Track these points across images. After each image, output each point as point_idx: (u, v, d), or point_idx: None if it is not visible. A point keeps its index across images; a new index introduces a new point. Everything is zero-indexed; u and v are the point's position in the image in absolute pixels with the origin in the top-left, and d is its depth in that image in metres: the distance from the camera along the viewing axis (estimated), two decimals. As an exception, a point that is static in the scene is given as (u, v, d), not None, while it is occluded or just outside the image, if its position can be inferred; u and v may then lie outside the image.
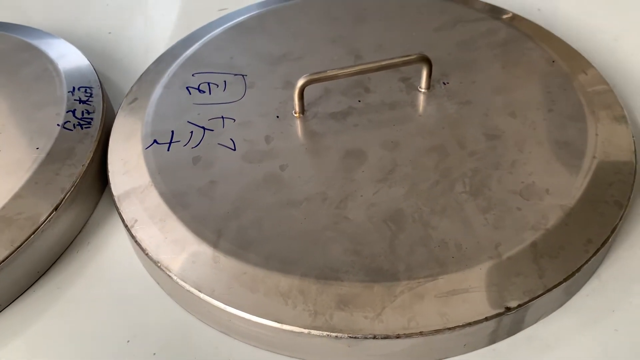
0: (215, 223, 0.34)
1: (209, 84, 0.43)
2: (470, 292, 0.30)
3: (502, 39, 0.46)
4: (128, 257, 0.37)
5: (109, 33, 0.57)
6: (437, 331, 0.29)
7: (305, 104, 0.40)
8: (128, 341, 0.33)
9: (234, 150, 0.38)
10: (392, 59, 0.40)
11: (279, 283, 0.31)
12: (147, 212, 0.35)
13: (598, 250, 0.32)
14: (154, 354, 0.32)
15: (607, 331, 0.32)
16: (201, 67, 0.45)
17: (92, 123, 0.41)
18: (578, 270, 0.31)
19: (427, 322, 0.29)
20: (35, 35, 0.51)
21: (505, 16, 0.49)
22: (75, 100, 0.43)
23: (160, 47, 0.52)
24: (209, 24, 0.51)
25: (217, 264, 0.32)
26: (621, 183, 0.35)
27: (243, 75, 0.44)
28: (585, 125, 0.38)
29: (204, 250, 0.33)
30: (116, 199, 0.36)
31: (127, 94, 0.44)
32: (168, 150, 0.38)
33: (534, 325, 0.32)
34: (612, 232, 0.33)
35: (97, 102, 0.43)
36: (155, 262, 0.33)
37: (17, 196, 0.36)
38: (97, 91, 0.44)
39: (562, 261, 0.31)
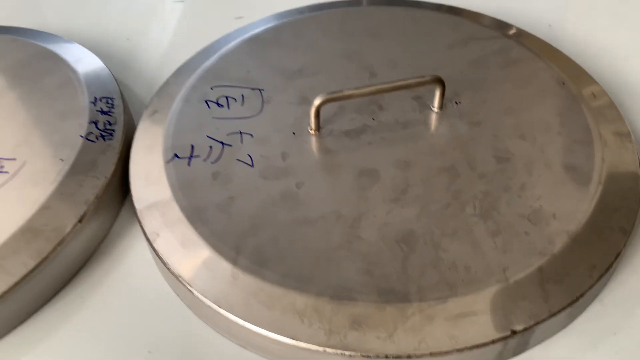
0: (234, 240, 0.35)
1: (227, 97, 0.45)
2: (478, 315, 0.31)
3: (513, 58, 0.47)
4: (148, 269, 0.38)
5: (127, 39, 0.58)
6: (446, 352, 0.30)
7: (320, 120, 0.41)
8: (149, 351, 0.34)
9: (252, 166, 0.40)
10: (407, 79, 0.41)
11: (295, 301, 0.32)
12: (168, 227, 0.36)
13: (602, 276, 0.33)
14: (174, 364, 0.33)
15: (609, 353, 0.33)
16: (219, 80, 0.46)
17: (113, 135, 0.43)
18: (582, 295, 0.32)
19: (437, 343, 0.30)
20: (54, 41, 0.52)
21: (516, 34, 0.50)
22: (97, 111, 0.44)
23: (176, 55, 0.53)
24: (226, 35, 0.52)
25: (235, 281, 0.33)
26: (626, 209, 0.36)
27: (260, 90, 0.45)
28: (592, 150, 0.39)
29: (224, 266, 0.34)
30: (138, 213, 0.38)
31: (147, 106, 0.45)
32: (188, 164, 0.40)
33: (538, 346, 0.33)
34: (616, 258, 0.34)
35: (118, 113, 0.44)
36: (177, 277, 0.34)
37: (43, 207, 0.37)
38: (118, 102, 0.45)
39: (566, 286, 0.33)
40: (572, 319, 0.34)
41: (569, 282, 0.33)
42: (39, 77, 0.47)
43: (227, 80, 0.46)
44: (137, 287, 0.38)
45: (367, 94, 0.41)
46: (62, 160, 0.40)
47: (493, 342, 0.31)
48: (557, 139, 0.40)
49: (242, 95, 0.45)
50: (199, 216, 0.37)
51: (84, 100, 0.45)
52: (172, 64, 0.50)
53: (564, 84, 0.44)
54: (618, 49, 0.52)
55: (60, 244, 0.36)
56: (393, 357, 0.30)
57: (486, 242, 0.34)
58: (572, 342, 0.33)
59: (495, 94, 0.44)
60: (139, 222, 0.38)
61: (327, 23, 0.52)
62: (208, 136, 0.42)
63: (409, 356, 0.30)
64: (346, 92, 0.40)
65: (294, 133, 0.42)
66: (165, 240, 0.36)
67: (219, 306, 0.33)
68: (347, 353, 0.30)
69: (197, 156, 0.40)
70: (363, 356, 0.30)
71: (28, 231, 0.36)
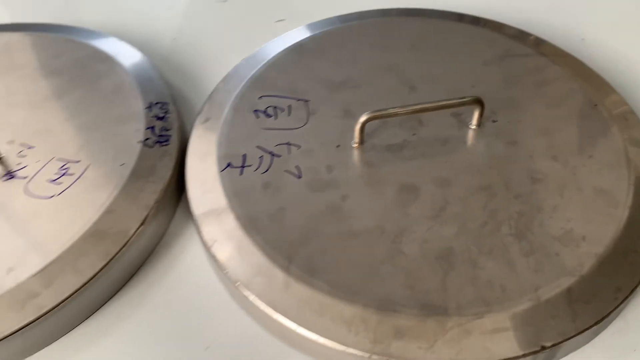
0: (286, 249, 0.38)
1: (275, 108, 0.47)
2: (510, 331, 0.34)
3: (548, 77, 0.49)
4: (203, 270, 0.41)
5: (173, 39, 0.60)
6: (481, 364, 0.33)
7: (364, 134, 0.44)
8: (207, 348, 0.37)
9: (300, 178, 0.42)
10: (449, 100, 0.43)
11: (343, 311, 0.35)
12: (224, 234, 0.39)
13: (626, 297, 0.36)
14: (230, 361, 0.37)
15: (629, 367, 0.36)
16: (267, 90, 0.49)
17: (169, 140, 0.45)
18: (607, 315, 0.35)
19: (473, 355, 0.34)
20: (107, 41, 0.55)
21: (551, 52, 0.52)
22: (152, 117, 0.47)
23: (221, 57, 0.56)
24: (271, 43, 0.54)
25: (288, 288, 0.37)
26: (652, 234, 0.39)
27: (306, 101, 0.48)
28: (621, 174, 0.42)
29: (277, 274, 0.37)
30: (196, 219, 0.41)
31: (198, 113, 0.48)
32: (241, 174, 0.43)
33: (563, 359, 0.36)
34: (640, 281, 0.37)
35: (172, 118, 0.47)
36: (234, 282, 0.37)
37: (108, 211, 0.40)
38: (171, 107, 0.48)
39: (593, 307, 0.35)
40: (596, 334, 0.37)
41: (596, 303, 0.36)
42: (95, 79, 0.50)
43: (274, 90, 0.49)
44: (192, 287, 0.41)
45: (411, 113, 0.43)
46: (122, 165, 0.43)
47: (524, 355, 0.34)
48: (589, 162, 0.43)
49: (289, 106, 0.47)
50: (253, 225, 0.40)
51: (139, 105, 0.47)
52: (217, 67, 0.53)
53: (596, 105, 0.47)
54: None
55: (124, 245, 0.39)
56: (433, 367, 0.33)
57: (520, 262, 0.37)
58: (596, 356, 0.36)
59: (530, 114, 0.46)
60: (197, 227, 0.41)
61: (365, 34, 0.54)
62: (258, 146, 0.44)
63: (447, 366, 0.33)
64: (391, 111, 0.43)
65: (338, 146, 0.44)
66: (222, 246, 0.39)
67: (275, 310, 0.36)
68: (391, 361, 0.34)
69: (249, 166, 0.43)
70: (406, 364, 0.33)
71: (96, 233, 0.39)
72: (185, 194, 0.43)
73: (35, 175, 0.43)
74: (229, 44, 0.59)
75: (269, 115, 0.47)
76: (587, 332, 0.35)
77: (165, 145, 0.45)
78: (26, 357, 0.37)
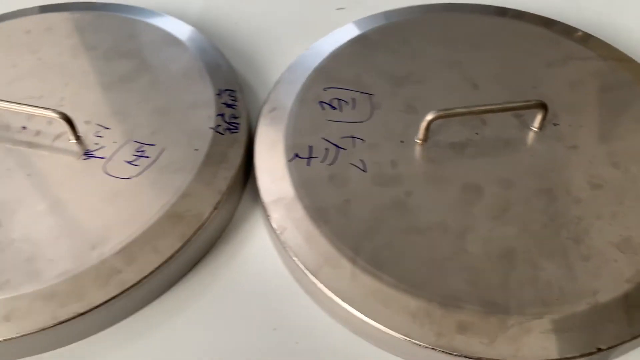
0: (352, 241, 0.40)
1: (339, 100, 0.49)
2: (568, 332, 0.36)
3: (610, 82, 0.50)
4: (269, 254, 0.43)
5: (235, 24, 0.61)
6: (539, 362, 0.35)
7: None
8: (274, 329, 0.40)
9: (365, 171, 0.44)
10: (513, 102, 0.44)
11: (409, 304, 0.37)
12: (293, 223, 0.41)
13: (681, 305, 0.37)
14: (297, 342, 0.39)
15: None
16: (331, 82, 0.50)
17: (238, 128, 0.47)
18: (662, 322, 0.37)
19: (532, 353, 0.35)
20: (174, 25, 0.56)
21: (614, 56, 0.52)
22: (222, 103, 0.48)
23: (282, 44, 0.58)
24: (334, 33, 0.55)
25: (355, 278, 0.39)
26: None
27: (369, 95, 0.49)
28: (681, 184, 0.43)
29: (344, 264, 0.39)
30: (266, 206, 0.43)
31: (265, 102, 0.50)
32: (307, 165, 0.44)
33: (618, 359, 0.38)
34: (695, 291, 0.38)
35: (241, 106, 0.49)
36: (302, 269, 0.40)
37: (185, 194, 0.43)
38: (240, 95, 0.50)
39: (649, 313, 0.37)
40: (648, 338, 0.39)
41: (652, 310, 0.37)
42: (167, 64, 0.52)
43: (339, 82, 0.50)
44: (259, 269, 0.43)
45: (476, 113, 0.44)
46: (196, 150, 0.45)
47: (580, 356, 0.36)
48: (648, 171, 0.44)
49: (353, 99, 0.49)
50: (320, 215, 0.41)
51: (209, 92, 0.49)
52: (279, 56, 0.54)
53: (657, 113, 0.47)
54: None
55: (200, 228, 0.42)
56: (493, 362, 0.35)
57: (578, 266, 0.39)
58: (646, 360, 0.38)
59: (591, 119, 0.47)
60: (266, 214, 0.43)
61: (429, 27, 0.55)
62: (323, 138, 0.46)
63: (507, 362, 0.35)
64: (457, 110, 0.44)
65: (402, 141, 0.46)
66: (291, 234, 0.41)
67: (342, 299, 0.38)
68: (454, 354, 0.35)
69: (315, 157, 0.45)
70: (468, 358, 0.35)
71: (174, 215, 0.42)
72: (252, 180, 0.45)
73: (113, 156, 0.45)
74: (289, 31, 0.60)
75: (333, 107, 0.48)
76: (642, 337, 0.36)
77: (235, 132, 0.47)
78: (108, 327, 0.40)
